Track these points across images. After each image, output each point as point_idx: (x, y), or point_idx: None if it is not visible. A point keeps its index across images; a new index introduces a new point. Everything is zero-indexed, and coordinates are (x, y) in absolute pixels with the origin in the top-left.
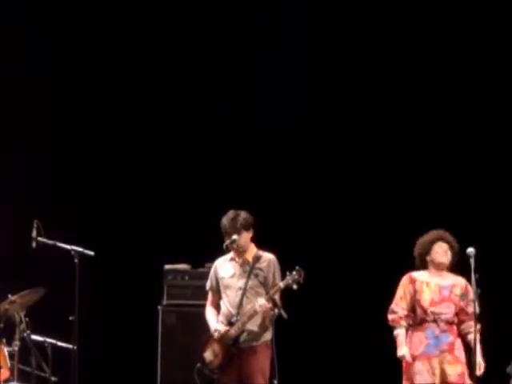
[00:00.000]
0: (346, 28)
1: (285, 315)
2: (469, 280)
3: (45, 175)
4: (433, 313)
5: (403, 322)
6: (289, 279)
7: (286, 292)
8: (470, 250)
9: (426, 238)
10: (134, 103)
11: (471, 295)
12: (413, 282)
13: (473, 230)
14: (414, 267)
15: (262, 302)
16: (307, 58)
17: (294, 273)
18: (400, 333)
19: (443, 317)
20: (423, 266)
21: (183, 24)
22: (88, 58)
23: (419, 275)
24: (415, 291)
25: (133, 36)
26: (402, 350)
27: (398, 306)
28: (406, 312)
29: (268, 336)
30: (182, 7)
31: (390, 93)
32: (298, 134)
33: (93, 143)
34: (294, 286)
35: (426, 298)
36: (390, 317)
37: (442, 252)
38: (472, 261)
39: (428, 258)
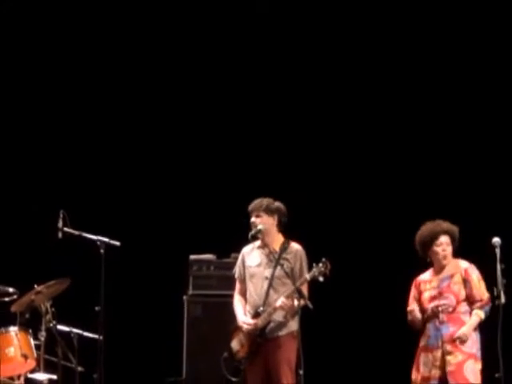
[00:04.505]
0: (345, 28)
1: (310, 306)
2: (480, 266)
3: (70, 165)
4: (431, 308)
5: (416, 307)
6: (315, 271)
7: (312, 283)
8: (496, 240)
9: (425, 232)
10: (155, 97)
11: (474, 278)
12: (417, 286)
13: (497, 220)
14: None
15: (282, 300)
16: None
17: (321, 265)
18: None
19: (441, 308)
20: (426, 257)
21: (183, 24)
22: (90, 58)
23: (423, 277)
24: (419, 293)
25: (132, 36)
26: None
27: (411, 305)
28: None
29: (294, 326)
30: (181, 7)
31: (399, 91)
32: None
33: (118, 134)
34: (321, 278)
35: (425, 297)
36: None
37: (441, 253)
38: (498, 251)
39: (430, 255)
